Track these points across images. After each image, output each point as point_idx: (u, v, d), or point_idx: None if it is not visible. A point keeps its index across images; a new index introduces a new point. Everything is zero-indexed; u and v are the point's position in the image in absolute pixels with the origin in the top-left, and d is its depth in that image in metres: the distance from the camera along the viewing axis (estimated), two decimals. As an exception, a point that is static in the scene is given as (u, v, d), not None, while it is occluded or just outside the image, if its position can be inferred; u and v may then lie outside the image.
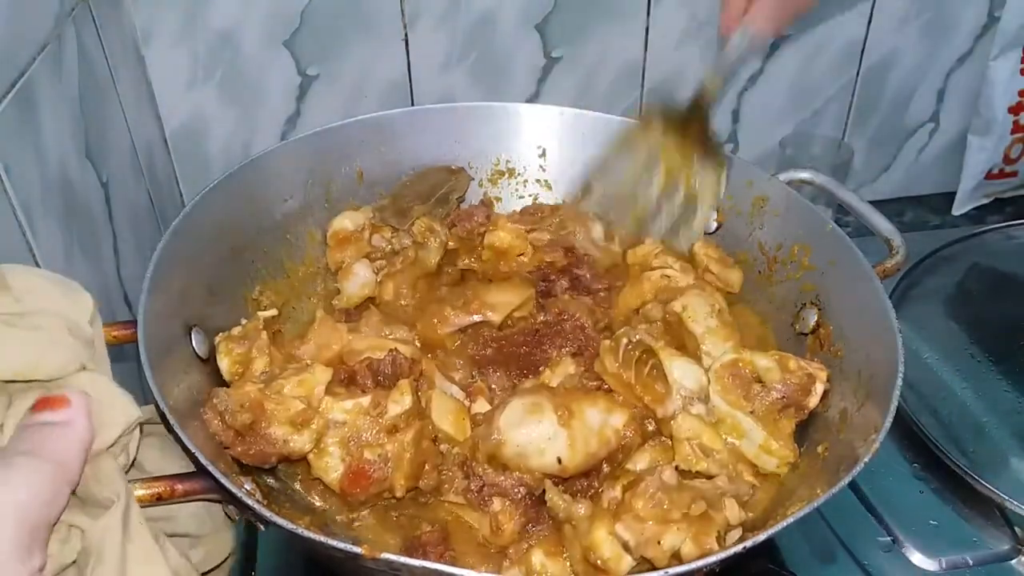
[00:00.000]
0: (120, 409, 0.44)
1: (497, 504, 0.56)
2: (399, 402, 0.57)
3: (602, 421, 0.58)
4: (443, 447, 0.61)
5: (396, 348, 0.62)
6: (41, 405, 0.41)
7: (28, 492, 0.37)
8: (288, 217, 0.73)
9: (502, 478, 0.56)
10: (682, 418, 0.59)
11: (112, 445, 0.44)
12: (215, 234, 0.66)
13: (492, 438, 0.56)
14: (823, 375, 0.62)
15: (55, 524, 0.38)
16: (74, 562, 0.40)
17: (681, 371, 0.60)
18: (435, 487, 0.59)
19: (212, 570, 0.53)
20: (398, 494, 0.57)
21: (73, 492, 0.40)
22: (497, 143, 0.81)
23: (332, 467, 0.56)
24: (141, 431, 0.48)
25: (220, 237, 0.67)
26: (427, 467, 0.59)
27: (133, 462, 0.47)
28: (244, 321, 0.63)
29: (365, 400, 0.57)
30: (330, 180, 0.75)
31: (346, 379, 0.61)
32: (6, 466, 0.37)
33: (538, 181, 0.82)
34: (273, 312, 0.65)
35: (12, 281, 0.44)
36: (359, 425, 0.57)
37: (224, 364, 0.60)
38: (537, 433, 0.56)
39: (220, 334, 0.62)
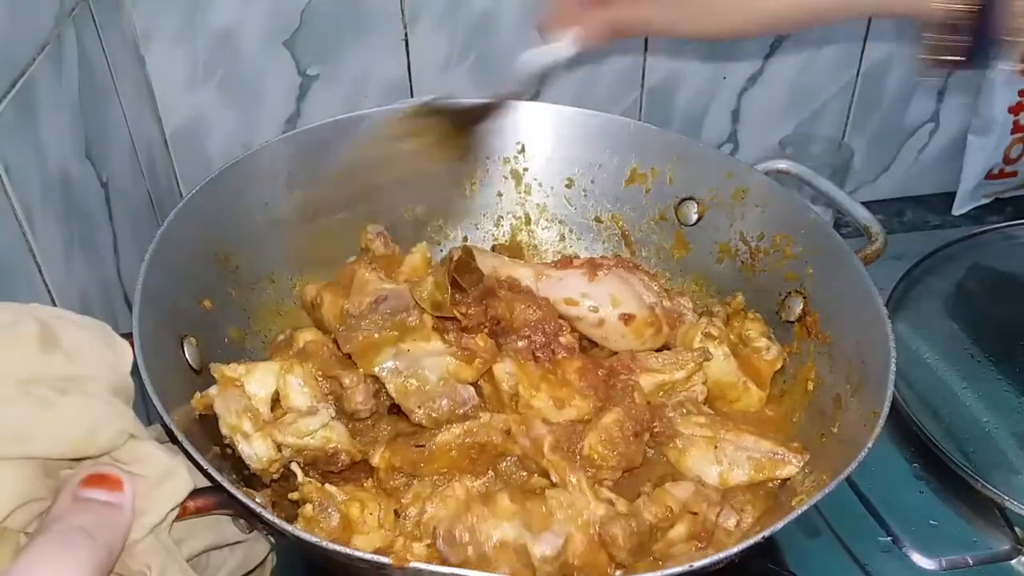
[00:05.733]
0: (168, 488, 0.43)
1: None
2: None
3: None
4: None
5: None
6: (95, 482, 0.40)
7: (82, 573, 0.36)
8: (268, 222, 0.73)
9: None
10: None
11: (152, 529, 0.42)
12: (199, 242, 0.66)
13: None
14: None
15: None
16: None
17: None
18: None
19: (250, 572, 0.53)
20: None
21: None
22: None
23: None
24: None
25: (204, 245, 0.66)
26: None
27: None
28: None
29: None
30: (308, 183, 0.75)
31: None
32: (65, 542, 0.36)
33: (516, 177, 0.82)
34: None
35: (62, 335, 0.41)
36: None
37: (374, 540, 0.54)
38: None
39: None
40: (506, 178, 0.83)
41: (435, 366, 0.59)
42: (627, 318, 0.67)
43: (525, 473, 0.59)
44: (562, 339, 0.64)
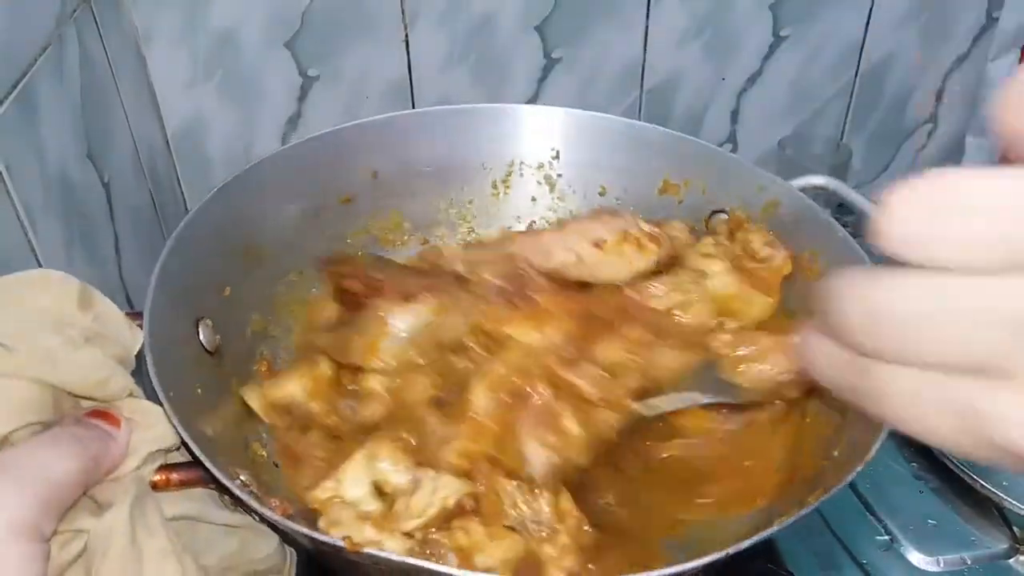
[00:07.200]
0: (158, 432, 0.47)
1: None
2: None
3: None
4: None
5: None
6: (97, 415, 0.45)
7: (65, 468, 0.40)
8: (293, 220, 0.73)
9: None
10: None
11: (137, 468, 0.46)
12: (224, 233, 0.66)
13: None
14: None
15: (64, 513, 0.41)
16: (80, 556, 0.41)
17: None
18: None
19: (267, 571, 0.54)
20: None
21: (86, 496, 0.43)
22: (503, 145, 0.81)
23: None
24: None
25: (230, 237, 0.66)
26: None
27: None
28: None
29: None
30: (336, 183, 0.75)
31: None
32: (55, 436, 0.41)
33: (549, 182, 0.82)
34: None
35: (95, 302, 0.48)
36: None
37: None
38: None
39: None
40: (540, 183, 0.82)
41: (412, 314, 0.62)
42: (598, 243, 0.68)
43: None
44: (539, 281, 0.66)
